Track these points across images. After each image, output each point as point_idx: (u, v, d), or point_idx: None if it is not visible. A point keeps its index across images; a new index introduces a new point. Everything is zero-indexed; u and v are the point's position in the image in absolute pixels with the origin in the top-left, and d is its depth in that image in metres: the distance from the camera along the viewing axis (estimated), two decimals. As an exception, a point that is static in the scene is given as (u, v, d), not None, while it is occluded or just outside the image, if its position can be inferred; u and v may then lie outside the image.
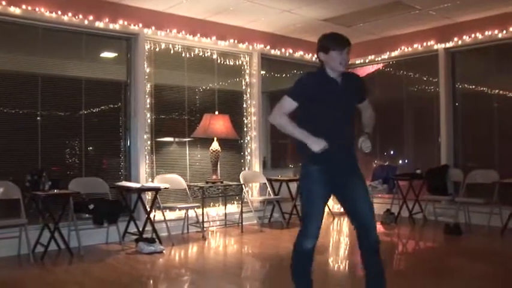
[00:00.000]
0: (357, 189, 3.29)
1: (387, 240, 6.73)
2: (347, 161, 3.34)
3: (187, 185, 7.18)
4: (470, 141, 8.09)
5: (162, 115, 7.31)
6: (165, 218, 6.69)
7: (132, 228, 6.40)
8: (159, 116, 7.27)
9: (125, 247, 6.20)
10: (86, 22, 6.50)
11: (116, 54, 7.11)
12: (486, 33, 7.69)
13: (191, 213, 7.19)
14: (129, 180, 6.79)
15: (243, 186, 7.54)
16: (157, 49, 7.27)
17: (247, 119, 8.34)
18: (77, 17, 6.42)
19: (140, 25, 6.98)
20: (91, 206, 5.81)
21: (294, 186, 8.06)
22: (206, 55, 7.82)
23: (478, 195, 7.35)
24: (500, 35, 7.57)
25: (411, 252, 6.16)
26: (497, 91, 7.83)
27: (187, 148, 7.55)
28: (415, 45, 8.57)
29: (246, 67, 8.35)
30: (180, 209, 6.89)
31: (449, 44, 8.15)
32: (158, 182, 6.81)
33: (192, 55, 7.64)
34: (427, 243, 6.73)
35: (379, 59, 9.12)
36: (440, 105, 8.24)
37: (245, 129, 8.32)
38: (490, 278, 4.78)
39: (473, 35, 7.84)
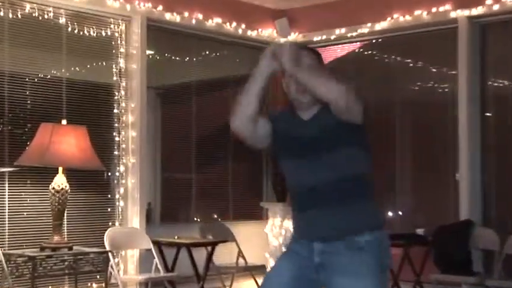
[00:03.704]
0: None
1: None
2: None
3: (4, 254, 5.49)
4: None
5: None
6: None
7: None
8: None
9: None
10: None
11: None
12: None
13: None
14: None
15: (110, 255, 5.81)
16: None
17: (120, 134, 6.33)
18: None
19: None
20: None
21: (201, 254, 6.05)
22: (46, 17, 5.83)
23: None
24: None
25: None
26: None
27: (6, 186, 5.61)
28: (417, 12, 6.57)
29: (119, 42, 6.38)
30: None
31: (476, 12, 6.12)
32: None
33: (19, 16, 5.59)
34: None
35: (355, 34, 7.02)
36: (459, 113, 6.19)
37: (116, 152, 6.26)
38: None
39: None
